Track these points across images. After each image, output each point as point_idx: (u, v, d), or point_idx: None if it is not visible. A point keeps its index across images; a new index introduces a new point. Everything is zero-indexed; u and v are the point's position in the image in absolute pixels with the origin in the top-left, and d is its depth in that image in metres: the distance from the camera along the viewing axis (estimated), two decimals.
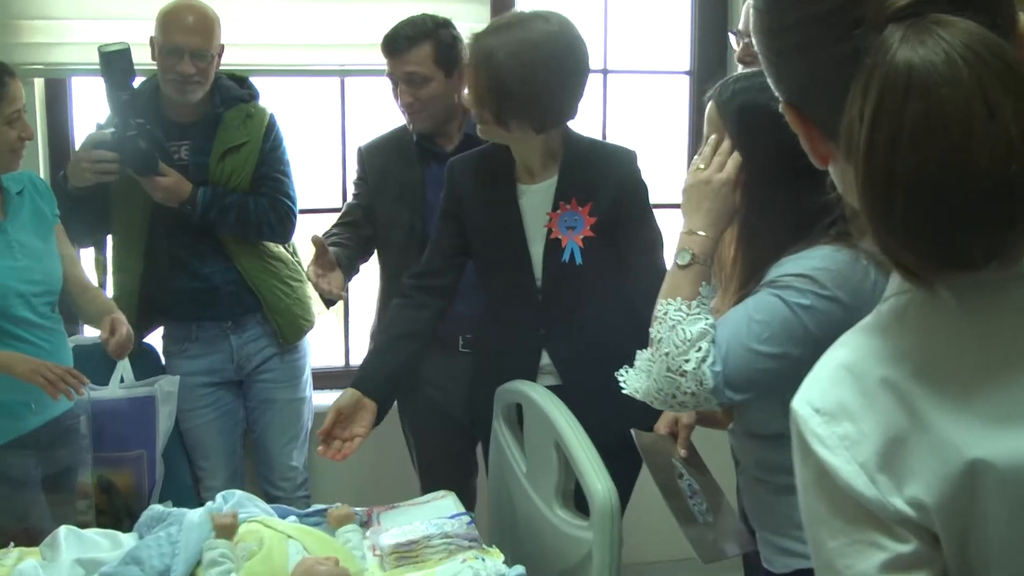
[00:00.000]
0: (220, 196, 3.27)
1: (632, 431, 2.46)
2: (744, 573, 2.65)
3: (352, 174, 3.55)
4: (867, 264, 1.88)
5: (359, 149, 3.44)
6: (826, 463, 1.00)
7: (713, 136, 2.02)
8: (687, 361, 1.85)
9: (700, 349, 1.85)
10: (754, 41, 1.10)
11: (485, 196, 2.81)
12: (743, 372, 1.85)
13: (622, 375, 2.00)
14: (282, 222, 3.36)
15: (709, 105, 2.06)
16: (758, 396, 1.90)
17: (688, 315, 1.91)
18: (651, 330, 1.94)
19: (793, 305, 1.85)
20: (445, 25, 3.17)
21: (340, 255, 3.17)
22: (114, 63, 3.04)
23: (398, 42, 3.13)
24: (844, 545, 1.01)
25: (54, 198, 3.05)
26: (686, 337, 1.87)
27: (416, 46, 3.11)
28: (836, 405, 1.02)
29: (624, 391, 1.98)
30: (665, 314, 1.93)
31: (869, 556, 1.00)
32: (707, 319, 1.90)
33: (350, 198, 3.50)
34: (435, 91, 3.14)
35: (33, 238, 2.89)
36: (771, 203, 1.96)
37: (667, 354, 1.88)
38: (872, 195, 0.94)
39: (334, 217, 3.98)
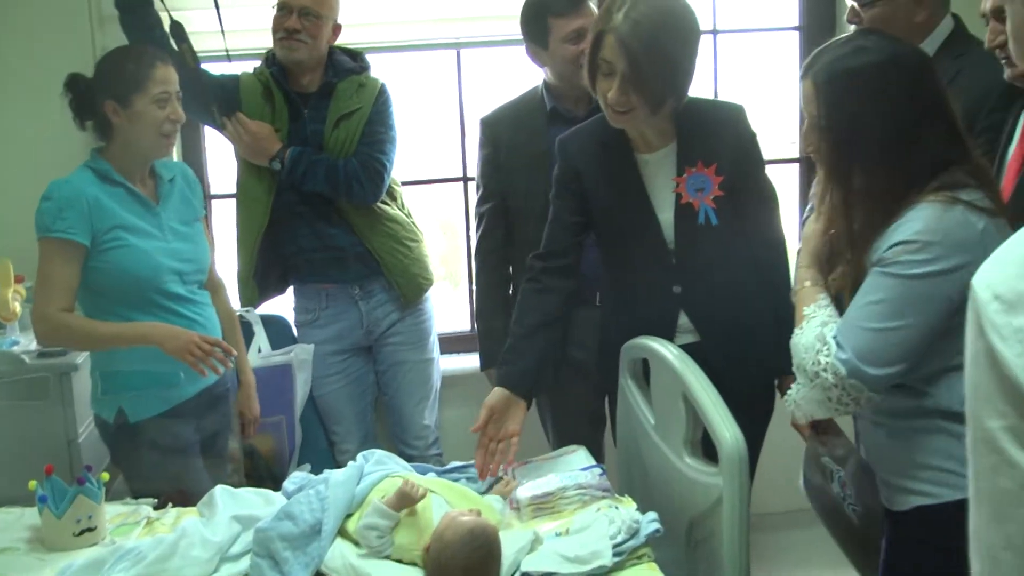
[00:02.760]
0: (308, 153, 3.42)
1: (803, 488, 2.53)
2: None
3: (472, 145, 3.61)
4: (969, 213, 1.94)
5: (482, 121, 3.47)
6: (997, 352, 0.99)
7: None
8: (816, 363, 2.01)
9: (818, 349, 2.02)
10: None
11: (604, 170, 2.81)
12: (873, 350, 1.97)
13: (789, 403, 2.12)
14: (372, 180, 3.45)
15: (804, 83, 2.11)
16: (909, 365, 1.98)
17: (802, 330, 2.09)
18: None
19: (904, 276, 1.95)
20: None
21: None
22: None
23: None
24: (1003, 428, 0.99)
25: (201, 192, 3.18)
26: (807, 345, 2.05)
27: (585, 2, 3.16)
28: (1017, 296, 0.99)
29: (800, 420, 2.13)
30: (792, 345, 2.11)
31: None
32: (821, 323, 2.06)
33: (480, 182, 3.48)
34: None
35: (181, 224, 3.02)
36: (874, 165, 2.03)
37: (804, 370, 2.05)
38: None
39: (456, 187, 4.06)
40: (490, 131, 3.43)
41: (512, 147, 3.36)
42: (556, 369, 3.18)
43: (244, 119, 3.42)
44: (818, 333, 2.03)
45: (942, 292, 1.93)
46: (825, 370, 1.99)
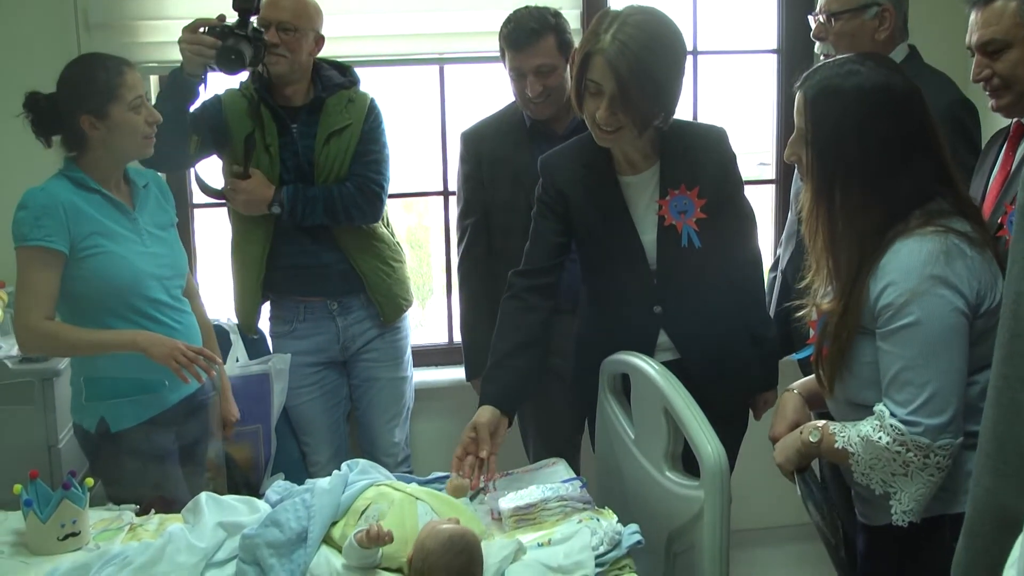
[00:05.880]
0: (302, 189, 3.41)
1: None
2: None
3: (453, 158, 3.64)
4: (958, 243, 2.00)
5: (463, 135, 3.50)
6: None
7: None
8: (879, 438, 2.03)
9: (871, 427, 2.06)
10: None
11: (588, 191, 2.83)
12: (935, 403, 1.99)
13: (895, 516, 2.08)
14: (371, 203, 3.46)
15: (798, 95, 2.18)
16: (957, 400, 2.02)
17: (839, 432, 2.13)
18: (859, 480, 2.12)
19: (909, 337, 2.01)
20: (558, 15, 3.27)
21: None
22: None
23: (526, 36, 3.20)
24: None
25: (173, 199, 3.18)
26: (867, 437, 2.07)
27: (542, 38, 3.19)
28: None
29: (906, 521, 2.06)
30: (853, 458, 2.10)
31: None
32: (854, 425, 2.11)
33: (462, 196, 3.51)
34: (560, 78, 3.24)
35: (158, 229, 3.03)
36: (853, 187, 2.09)
37: (873, 466, 2.07)
38: None
39: (436, 201, 4.09)
40: (472, 145, 3.46)
41: (493, 162, 3.40)
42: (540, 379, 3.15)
43: (235, 182, 3.40)
44: (864, 428, 2.07)
45: (949, 321, 1.99)
46: (892, 439, 2.01)
